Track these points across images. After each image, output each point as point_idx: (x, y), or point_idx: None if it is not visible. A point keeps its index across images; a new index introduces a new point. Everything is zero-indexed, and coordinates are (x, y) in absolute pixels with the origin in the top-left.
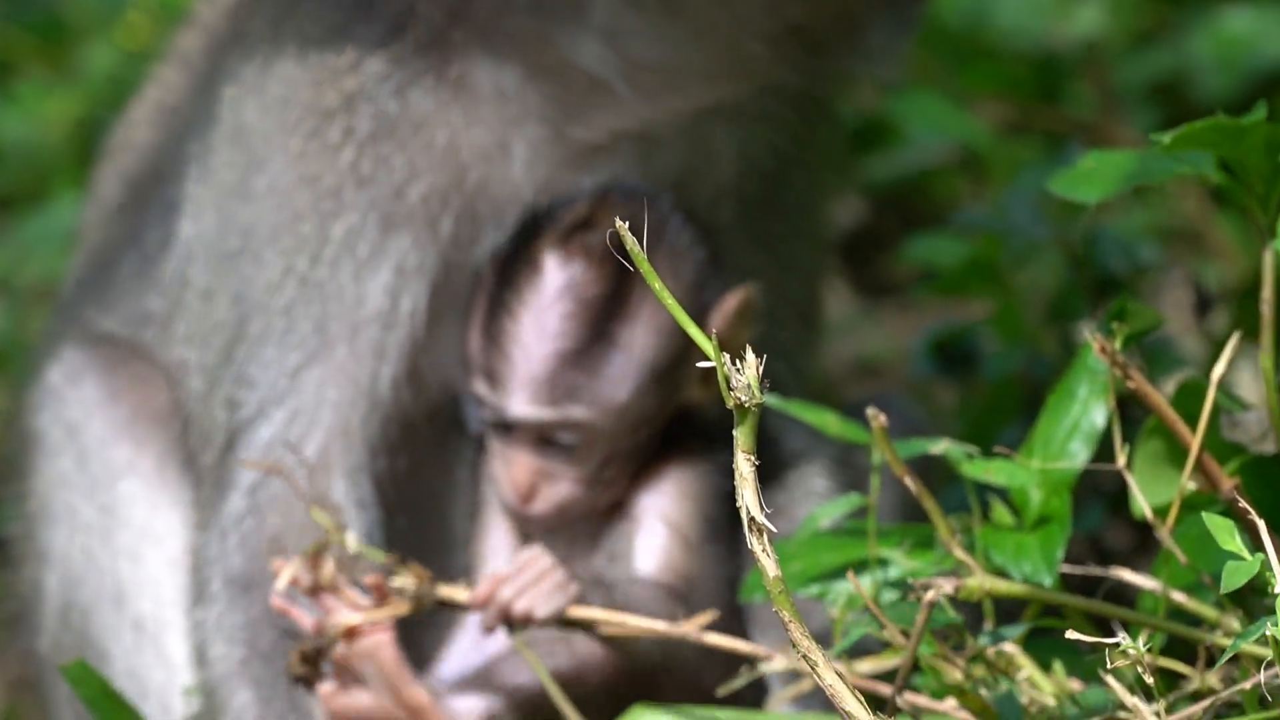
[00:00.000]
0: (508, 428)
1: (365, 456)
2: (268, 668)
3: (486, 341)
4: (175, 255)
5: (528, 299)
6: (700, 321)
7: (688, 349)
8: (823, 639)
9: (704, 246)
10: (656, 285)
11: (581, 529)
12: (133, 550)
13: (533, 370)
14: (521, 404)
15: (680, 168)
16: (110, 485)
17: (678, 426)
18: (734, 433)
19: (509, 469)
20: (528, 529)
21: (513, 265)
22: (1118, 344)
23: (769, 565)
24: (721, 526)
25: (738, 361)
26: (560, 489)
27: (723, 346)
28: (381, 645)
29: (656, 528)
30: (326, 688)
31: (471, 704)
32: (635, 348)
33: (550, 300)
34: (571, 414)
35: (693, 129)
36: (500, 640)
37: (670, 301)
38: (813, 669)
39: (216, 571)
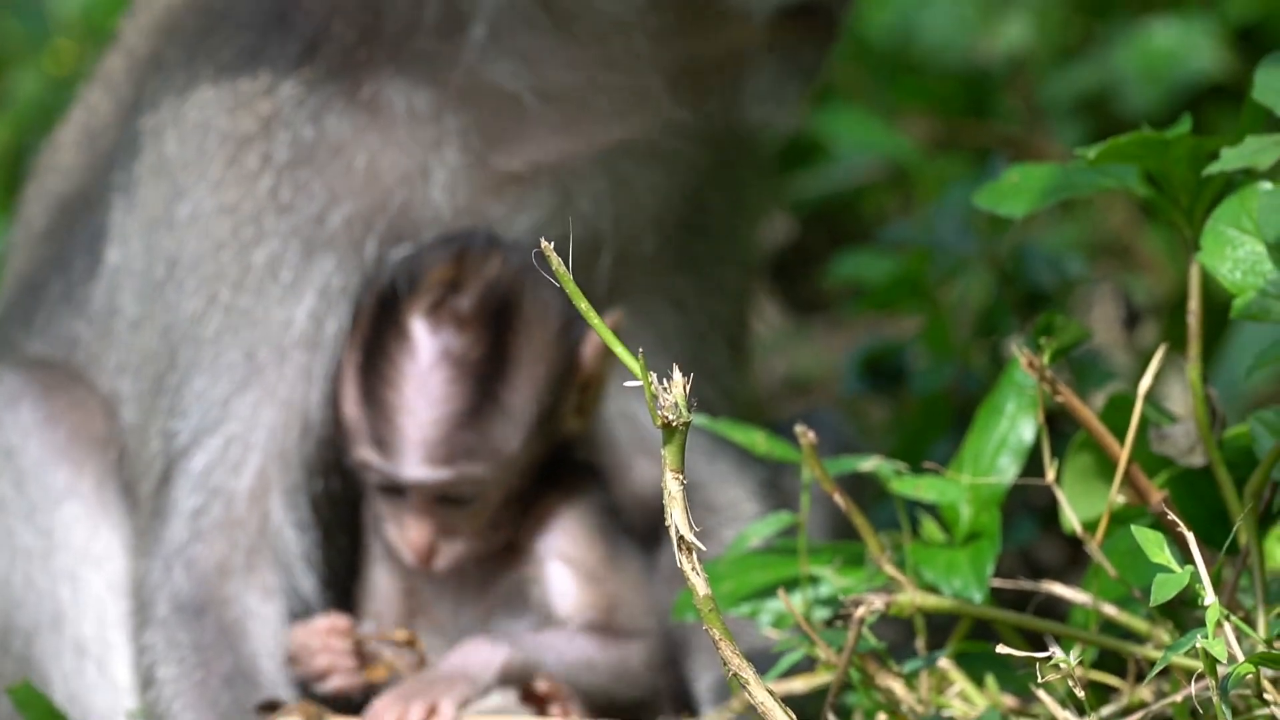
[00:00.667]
0: (400, 492)
1: (302, 478)
2: (226, 691)
3: (369, 411)
4: (103, 283)
5: (404, 368)
6: (573, 361)
7: (564, 387)
8: (756, 659)
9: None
10: (592, 317)
11: (471, 573)
12: (72, 573)
13: (424, 434)
14: (415, 467)
15: (599, 200)
16: (49, 509)
17: (554, 457)
18: (662, 452)
19: (406, 532)
20: (413, 580)
21: (381, 334)
22: (1045, 358)
23: (699, 584)
24: (624, 552)
25: (665, 381)
26: (458, 544)
27: (591, 376)
28: None
29: (559, 570)
30: None
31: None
32: (520, 399)
33: (429, 366)
34: (467, 471)
35: (609, 162)
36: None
37: (597, 322)
38: (744, 687)
39: (163, 596)
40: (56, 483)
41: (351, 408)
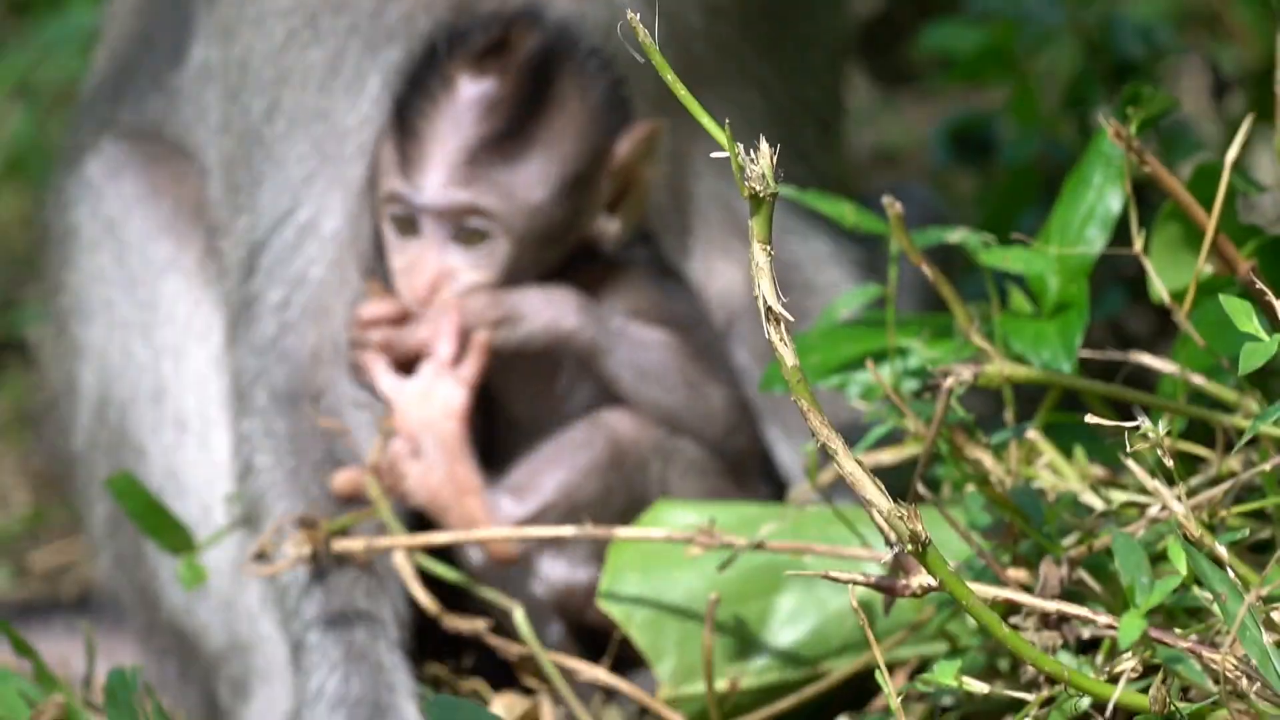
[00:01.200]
0: (414, 226)
1: (375, 259)
2: (316, 479)
3: (400, 138)
4: (189, 76)
5: (440, 102)
6: (607, 147)
7: (595, 167)
8: (844, 432)
9: (609, 76)
10: (669, 76)
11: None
12: (176, 347)
13: (448, 154)
14: (436, 186)
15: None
16: (151, 281)
17: (576, 264)
18: (749, 223)
19: (411, 272)
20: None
21: (424, 79)
22: (1133, 128)
23: (787, 355)
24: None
25: (752, 152)
26: (470, 304)
27: (627, 174)
28: (450, 415)
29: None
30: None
31: (515, 508)
32: (551, 149)
33: (464, 102)
34: (484, 200)
35: None
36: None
37: (682, 91)
38: (833, 457)
39: (260, 385)
40: (159, 256)
41: (386, 146)
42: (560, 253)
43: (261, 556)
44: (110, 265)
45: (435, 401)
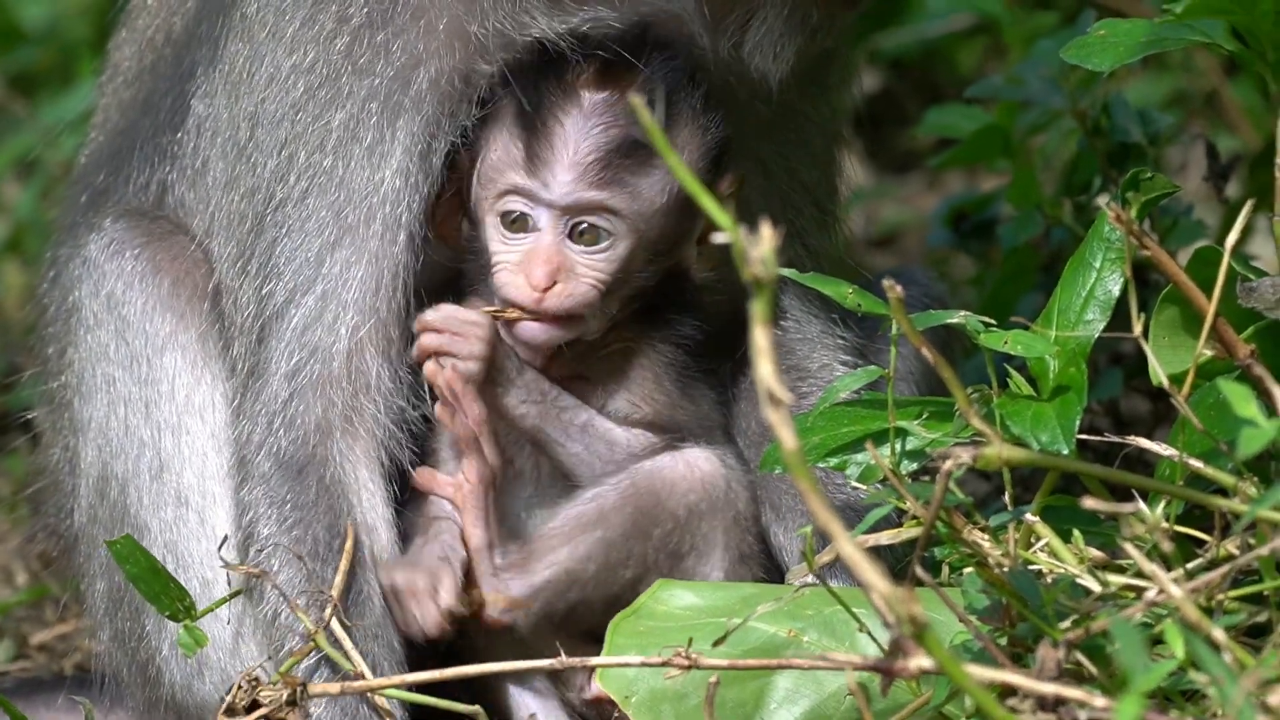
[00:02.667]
0: (525, 222)
1: (398, 337)
2: (319, 549)
3: (526, 136)
4: (191, 133)
5: (569, 109)
6: (710, 184)
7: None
8: (842, 515)
9: (718, 112)
10: (673, 159)
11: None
12: (176, 423)
13: (582, 154)
14: (568, 183)
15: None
16: (152, 358)
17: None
18: (750, 305)
19: (529, 262)
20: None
21: (543, 89)
22: (1133, 212)
23: (787, 436)
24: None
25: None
26: (579, 287)
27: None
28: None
29: (625, 367)
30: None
31: (515, 584)
32: (667, 182)
33: (594, 108)
34: (614, 200)
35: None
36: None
37: (682, 171)
38: (832, 539)
39: (264, 454)
40: (160, 332)
41: (502, 144)
42: (658, 272)
43: (231, 712)
44: (111, 342)
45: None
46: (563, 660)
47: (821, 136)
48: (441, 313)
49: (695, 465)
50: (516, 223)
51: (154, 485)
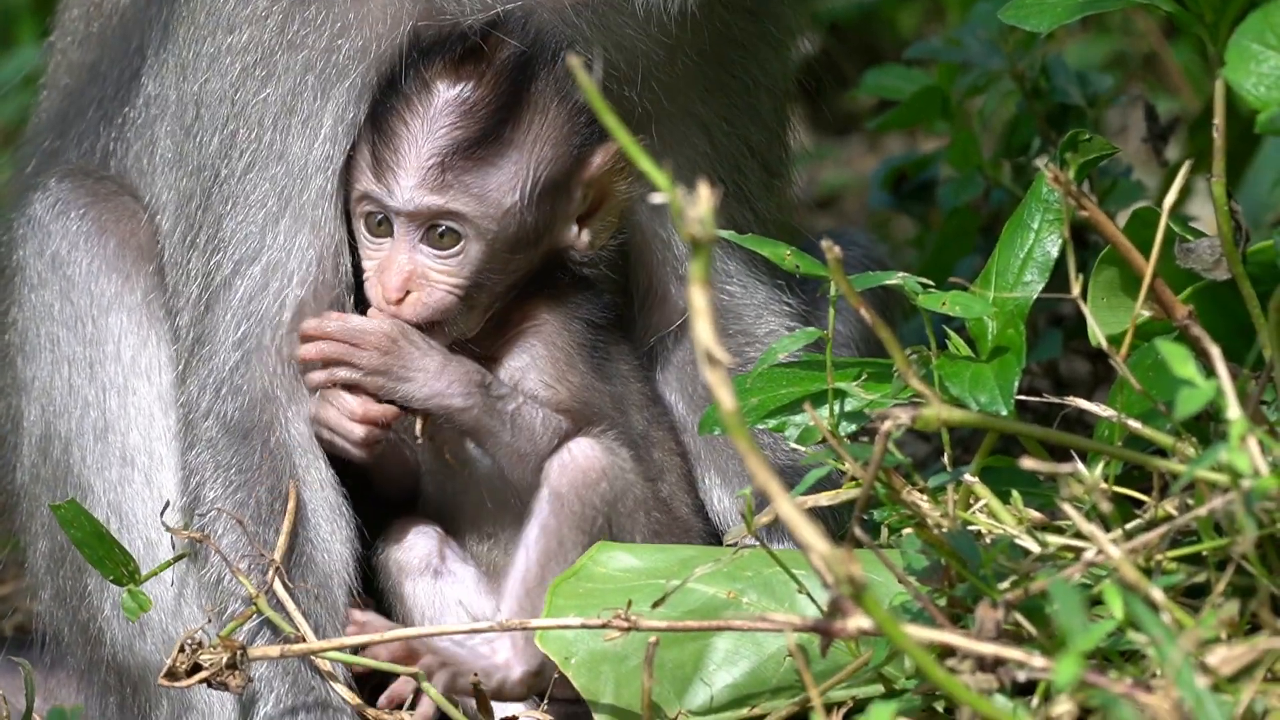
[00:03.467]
0: (387, 226)
1: (341, 298)
2: (261, 511)
3: (375, 139)
4: (139, 108)
5: (417, 106)
6: (581, 156)
7: (569, 177)
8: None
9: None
10: (617, 129)
11: None
12: (121, 384)
13: (421, 158)
14: (409, 189)
15: (607, 26)
16: (97, 318)
17: (542, 281)
18: (689, 267)
19: (383, 272)
20: None
21: (403, 83)
22: (1071, 173)
23: (726, 398)
24: (614, 375)
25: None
26: (434, 295)
27: (601, 186)
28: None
29: (536, 347)
30: None
31: (519, 664)
32: (524, 154)
33: (440, 106)
34: (456, 204)
35: None
36: None
37: (619, 131)
38: (771, 500)
39: (212, 418)
40: (105, 293)
41: (363, 148)
42: (530, 260)
43: (172, 675)
44: (56, 302)
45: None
46: (503, 624)
47: (769, 98)
48: (331, 321)
49: (587, 457)
50: (381, 226)
51: (98, 445)
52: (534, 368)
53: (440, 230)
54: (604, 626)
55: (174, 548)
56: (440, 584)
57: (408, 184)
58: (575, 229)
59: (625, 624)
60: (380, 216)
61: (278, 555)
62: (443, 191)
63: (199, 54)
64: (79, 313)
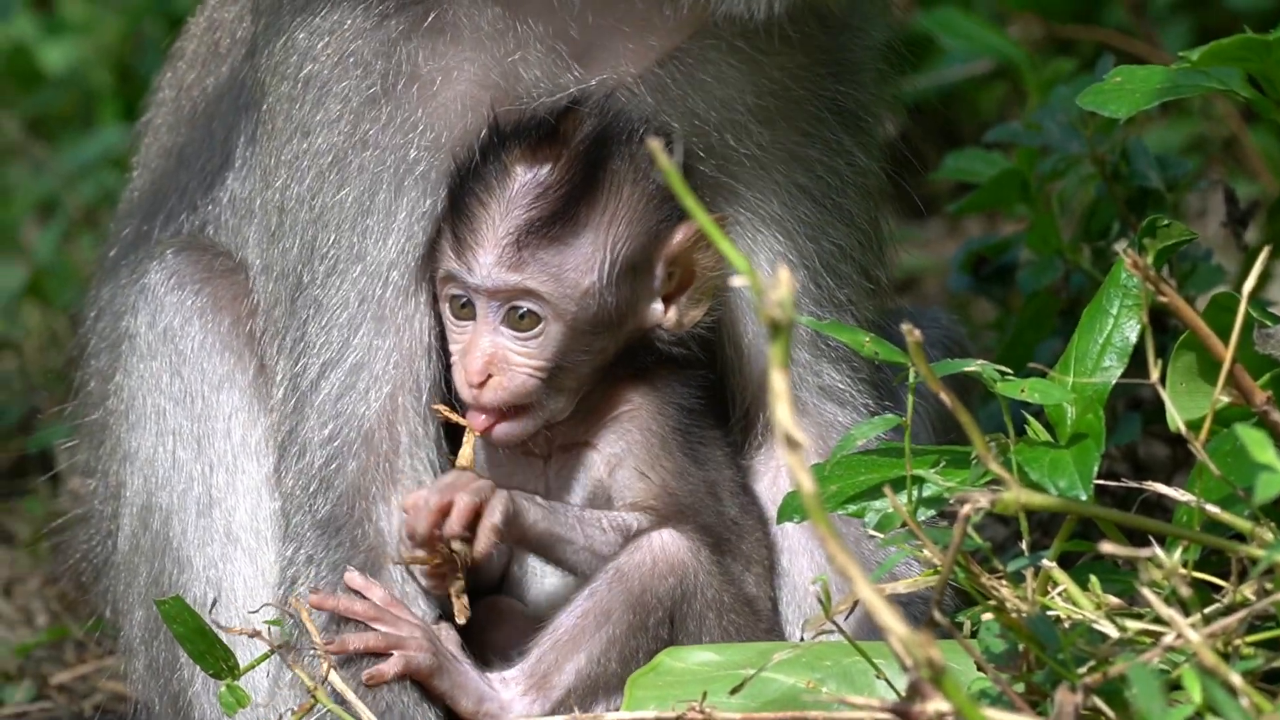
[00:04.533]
0: (470, 309)
1: (427, 391)
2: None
3: (455, 221)
4: (225, 208)
5: (495, 187)
6: (662, 234)
7: (649, 256)
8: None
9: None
10: (689, 201)
11: (537, 467)
12: (230, 462)
13: (498, 235)
14: (487, 266)
15: (688, 108)
16: (207, 395)
17: (632, 363)
18: (769, 350)
19: (465, 355)
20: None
21: (482, 167)
22: (1150, 259)
23: (806, 482)
24: (707, 461)
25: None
26: (515, 379)
27: (685, 264)
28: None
29: (632, 433)
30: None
31: (531, 705)
32: (601, 233)
33: (518, 187)
34: (533, 282)
35: (688, 67)
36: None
37: (699, 212)
38: (851, 585)
39: (304, 513)
40: (217, 370)
41: (444, 227)
42: (615, 341)
43: None
44: (165, 375)
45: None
46: (577, 717)
47: (860, 197)
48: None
49: (665, 549)
50: (464, 309)
51: (201, 520)
52: (630, 454)
53: (520, 312)
54: (678, 719)
55: (269, 637)
56: None
57: (485, 261)
58: (661, 308)
59: (700, 715)
60: (464, 299)
61: (333, 648)
62: (519, 269)
63: (279, 161)
64: (188, 388)
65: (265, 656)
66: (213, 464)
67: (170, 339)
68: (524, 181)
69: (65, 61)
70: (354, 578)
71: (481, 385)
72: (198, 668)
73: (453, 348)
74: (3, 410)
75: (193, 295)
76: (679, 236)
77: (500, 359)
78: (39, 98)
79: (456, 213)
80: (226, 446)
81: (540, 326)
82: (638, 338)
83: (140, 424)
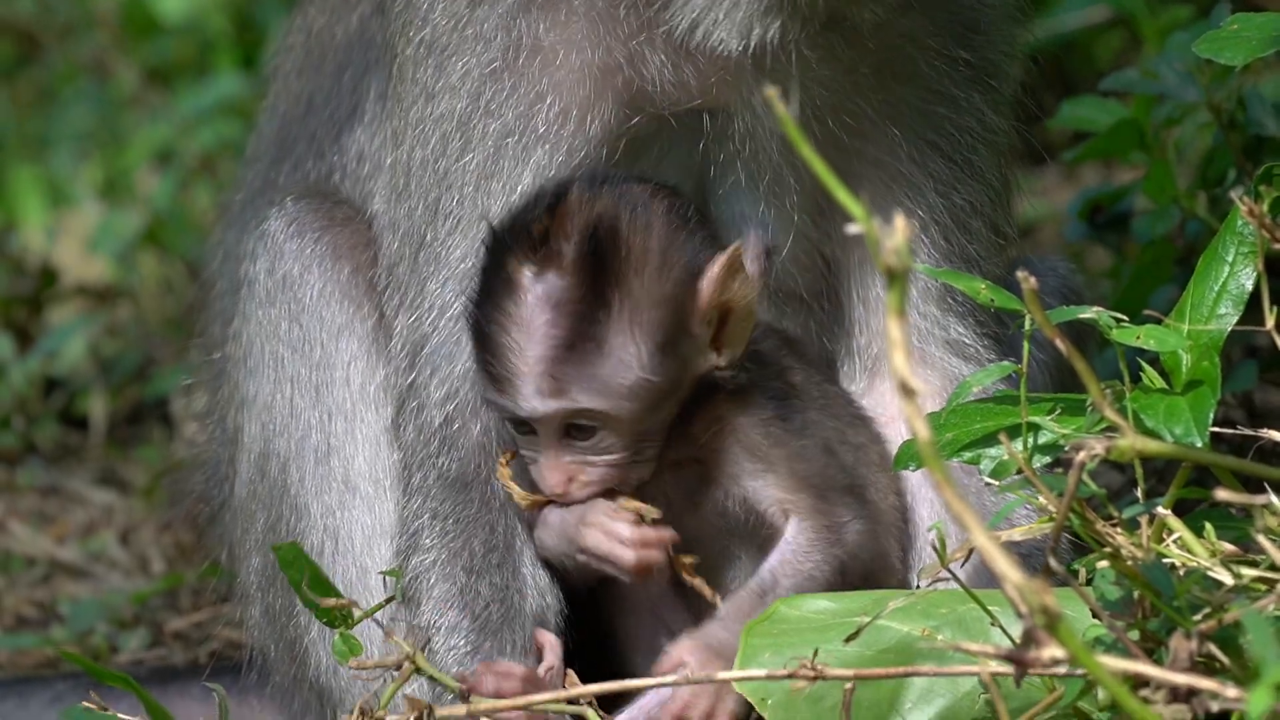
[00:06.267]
0: (526, 425)
1: None
2: (475, 561)
3: (485, 354)
4: (352, 159)
5: (510, 311)
6: (689, 296)
7: (683, 320)
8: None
9: (674, 220)
10: (806, 151)
11: (668, 489)
12: (349, 410)
13: (530, 367)
14: (529, 400)
15: (809, 77)
16: (326, 343)
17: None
18: (885, 296)
19: (541, 474)
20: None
21: (492, 283)
22: (1265, 206)
23: (921, 429)
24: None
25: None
26: (596, 474)
27: (721, 306)
28: None
29: (733, 449)
30: None
31: None
32: (627, 328)
33: (531, 308)
34: (578, 402)
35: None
36: None
37: (818, 163)
38: (967, 532)
39: (429, 469)
40: (336, 319)
41: (477, 354)
42: (678, 399)
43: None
44: (283, 322)
45: None
46: (689, 677)
47: (990, 152)
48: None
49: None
50: (523, 426)
51: (319, 468)
52: (743, 471)
53: (579, 426)
54: (789, 677)
55: (385, 588)
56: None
57: (526, 392)
58: (713, 355)
59: (811, 673)
60: (518, 421)
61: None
62: (562, 395)
63: (406, 123)
64: (307, 335)
65: (380, 606)
66: (331, 412)
67: (289, 286)
68: (537, 298)
69: (183, 10)
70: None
71: (567, 491)
72: (313, 615)
73: (524, 454)
74: (119, 359)
75: (312, 243)
76: (706, 286)
77: (575, 469)
78: (157, 46)
79: (480, 340)
80: (345, 394)
81: (601, 433)
82: (699, 384)
83: (258, 370)
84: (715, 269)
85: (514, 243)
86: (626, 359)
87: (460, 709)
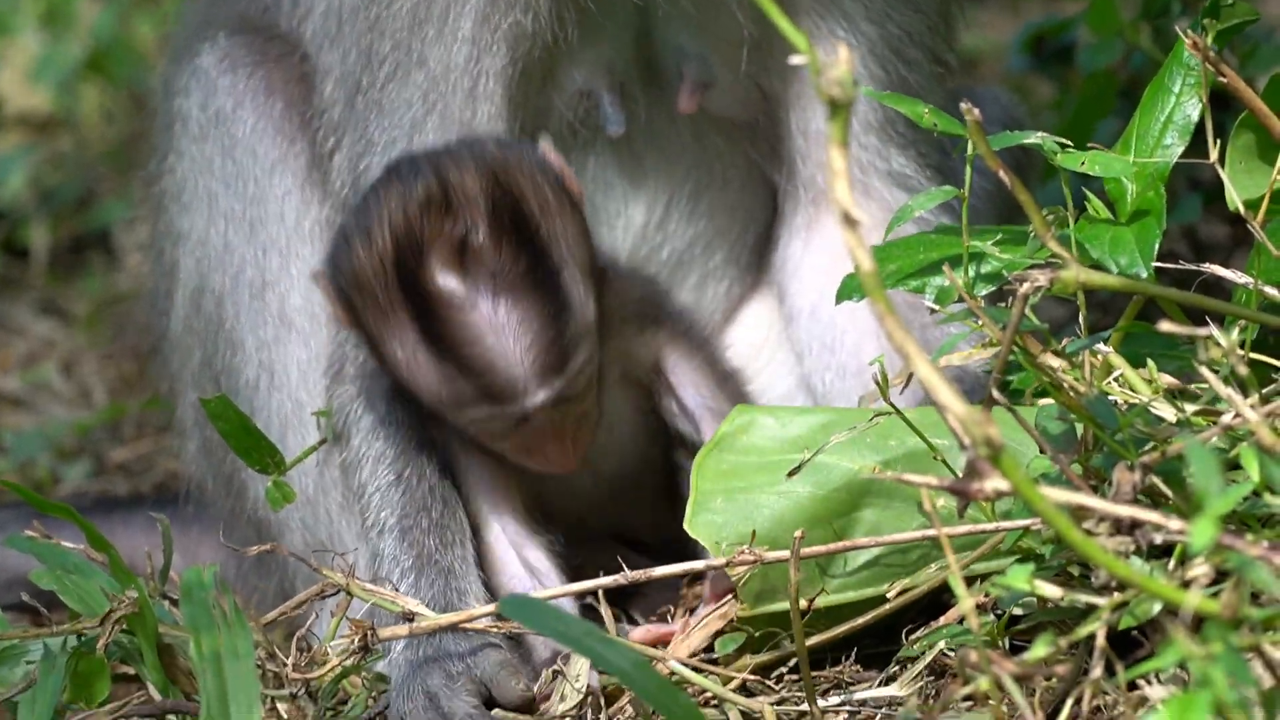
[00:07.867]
0: (525, 419)
1: None
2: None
3: (470, 377)
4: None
5: (469, 321)
6: (571, 190)
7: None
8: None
9: (514, 144)
10: None
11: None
12: (284, 246)
13: (527, 366)
14: (539, 393)
15: None
16: (260, 178)
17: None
18: (827, 126)
19: (547, 449)
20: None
21: (421, 304)
22: (1210, 39)
23: (864, 259)
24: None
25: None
26: (586, 432)
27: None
28: None
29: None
30: None
31: None
32: (573, 286)
33: (489, 308)
34: (575, 366)
35: None
36: None
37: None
38: (907, 361)
39: None
40: (269, 154)
41: (434, 382)
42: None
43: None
44: (217, 157)
45: None
46: (648, 573)
47: None
48: None
49: None
50: (520, 422)
51: (253, 303)
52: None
53: (575, 393)
54: (728, 565)
55: (319, 428)
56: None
57: (534, 388)
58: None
59: (751, 558)
60: (514, 418)
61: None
62: (563, 367)
63: None
64: (241, 171)
65: (310, 450)
66: (265, 247)
67: (222, 121)
68: (485, 291)
69: None
70: None
71: (578, 456)
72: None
73: (513, 446)
74: (61, 189)
75: (245, 78)
76: (575, 187)
77: (572, 431)
78: None
79: (459, 369)
80: (280, 230)
81: (584, 384)
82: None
83: (192, 206)
84: (563, 167)
85: (418, 255)
86: (583, 305)
87: (403, 629)
